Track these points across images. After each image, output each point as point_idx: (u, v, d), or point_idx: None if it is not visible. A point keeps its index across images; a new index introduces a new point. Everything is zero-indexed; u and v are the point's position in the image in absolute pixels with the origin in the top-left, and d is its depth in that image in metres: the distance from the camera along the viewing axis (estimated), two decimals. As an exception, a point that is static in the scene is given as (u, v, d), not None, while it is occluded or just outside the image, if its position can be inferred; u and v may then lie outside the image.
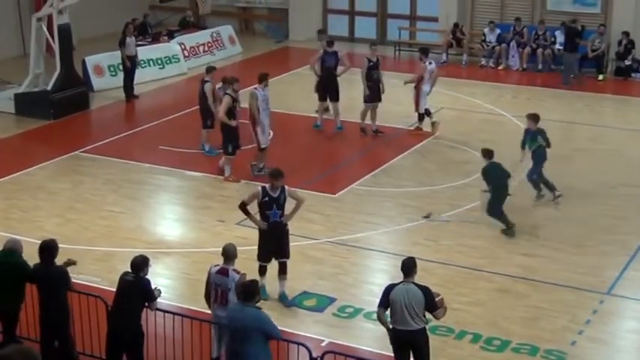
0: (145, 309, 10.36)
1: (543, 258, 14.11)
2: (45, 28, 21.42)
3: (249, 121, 17.11)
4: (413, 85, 19.81)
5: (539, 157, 16.07)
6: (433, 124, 19.74)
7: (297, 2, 29.40)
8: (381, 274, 13.65)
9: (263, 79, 17.08)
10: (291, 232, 12.75)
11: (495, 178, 14.80)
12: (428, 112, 19.79)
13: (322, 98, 20.18)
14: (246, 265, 13.36)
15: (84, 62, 23.60)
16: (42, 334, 10.79)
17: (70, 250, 13.98)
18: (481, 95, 23.15)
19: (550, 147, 16.09)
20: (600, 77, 24.64)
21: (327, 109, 20.27)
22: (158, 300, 10.47)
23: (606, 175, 17.62)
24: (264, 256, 12.50)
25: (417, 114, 19.88)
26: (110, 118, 21.85)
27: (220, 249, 10.79)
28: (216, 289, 10.41)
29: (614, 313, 12.77)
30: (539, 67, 25.47)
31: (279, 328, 9.82)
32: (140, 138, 20.20)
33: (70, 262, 11.00)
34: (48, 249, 10.65)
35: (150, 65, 24.91)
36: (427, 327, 10.13)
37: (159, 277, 12.65)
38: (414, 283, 9.98)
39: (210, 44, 27.40)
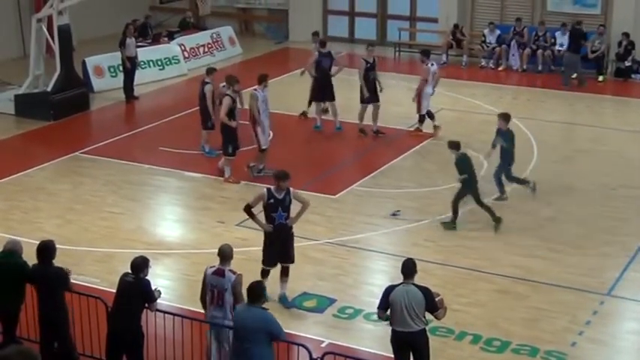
0: (145, 310, 10.36)
1: (543, 259, 14.11)
2: (45, 29, 21.42)
3: (250, 122, 17.12)
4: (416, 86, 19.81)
5: (505, 156, 16.09)
6: (435, 127, 19.71)
7: (297, 3, 29.41)
8: (381, 275, 13.65)
9: (263, 80, 17.09)
10: (291, 233, 12.74)
11: (469, 167, 14.96)
12: (431, 115, 19.77)
13: (319, 99, 20.21)
14: (246, 266, 13.36)
15: (84, 63, 23.61)
16: (41, 335, 10.80)
17: (70, 251, 14.03)
18: (481, 96, 23.15)
19: (508, 149, 16.07)
20: (600, 78, 24.63)
21: (325, 111, 20.28)
22: (158, 301, 10.48)
23: (606, 176, 17.61)
24: (269, 260, 12.41)
25: (417, 115, 19.87)
26: (110, 119, 21.85)
27: (221, 250, 10.78)
28: (212, 289, 10.38)
29: (614, 314, 12.77)
30: (539, 68, 25.47)
31: (280, 328, 9.83)
32: (140, 139, 20.20)
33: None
34: (46, 250, 10.65)
35: (150, 66, 24.91)
36: (427, 328, 10.13)
37: (159, 278, 12.65)
38: (414, 284, 9.97)
39: (210, 45, 27.40)
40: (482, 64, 26.27)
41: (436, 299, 10.06)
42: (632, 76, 24.76)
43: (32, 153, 19.27)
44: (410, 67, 26.74)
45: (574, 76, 24.37)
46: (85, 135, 20.72)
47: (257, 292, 9.60)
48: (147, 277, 10.28)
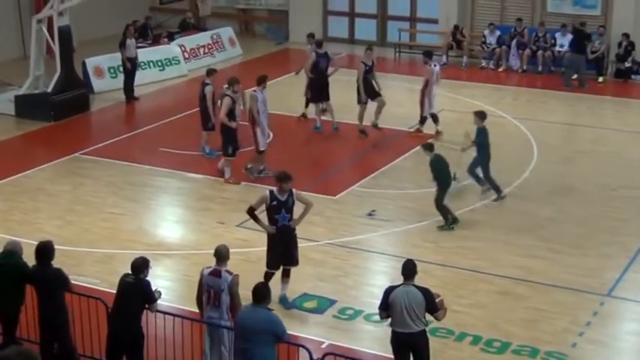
0: (145, 311, 10.36)
1: (544, 260, 14.11)
2: (45, 30, 21.42)
3: (249, 123, 17.12)
4: (420, 88, 19.76)
5: (481, 153, 16.18)
6: (437, 132, 19.68)
7: (297, 4, 29.42)
8: (382, 276, 13.66)
9: (262, 81, 17.10)
10: (292, 233, 12.74)
11: (444, 168, 15.06)
12: (435, 118, 19.72)
13: (317, 100, 20.24)
14: (247, 266, 13.38)
15: (84, 64, 23.61)
16: (41, 336, 10.80)
17: (71, 252, 14.05)
18: (481, 97, 23.14)
19: (483, 147, 16.15)
20: (600, 79, 24.63)
21: (324, 110, 20.28)
22: (158, 302, 10.48)
23: (606, 177, 17.61)
24: (273, 263, 12.35)
25: (419, 116, 19.84)
26: (110, 120, 21.85)
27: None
28: (208, 290, 10.37)
29: (615, 315, 12.77)
30: (540, 69, 25.47)
31: (281, 329, 9.84)
32: (140, 140, 20.20)
33: None
34: (44, 251, 10.66)
35: (150, 67, 24.91)
36: (427, 329, 10.14)
37: (159, 278, 12.65)
38: (414, 285, 9.98)
39: (210, 46, 27.40)
40: (483, 64, 26.27)
41: (436, 300, 10.07)
42: (632, 76, 24.75)
43: (32, 154, 19.27)
44: (410, 68, 26.74)
45: (574, 76, 24.38)
46: (86, 136, 20.72)
47: (263, 292, 9.64)
48: (147, 278, 10.28)
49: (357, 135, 19.81)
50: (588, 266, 13.90)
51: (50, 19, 21.35)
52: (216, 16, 30.17)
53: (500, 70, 25.98)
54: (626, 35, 24.62)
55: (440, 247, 14.52)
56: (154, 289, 10.36)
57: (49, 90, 21.20)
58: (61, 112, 21.20)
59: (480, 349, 11.63)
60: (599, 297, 12.97)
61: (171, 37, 26.93)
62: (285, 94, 22.14)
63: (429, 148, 15.33)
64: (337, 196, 16.62)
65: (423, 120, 19.84)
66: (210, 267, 10.46)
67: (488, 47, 26.20)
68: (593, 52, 24.65)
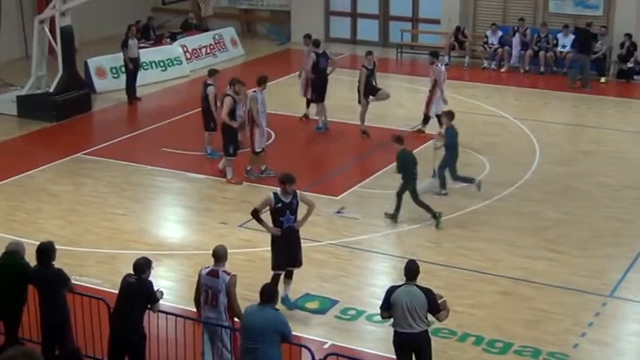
0: (147, 311, 10.35)
1: (546, 260, 14.10)
2: (47, 31, 21.42)
3: (248, 124, 17.11)
4: (428, 88, 19.70)
5: (450, 153, 16.24)
6: (440, 134, 19.62)
7: (299, 4, 29.42)
8: (384, 276, 13.65)
9: (262, 82, 17.13)
10: (294, 234, 12.73)
11: (408, 163, 15.14)
12: (440, 120, 19.67)
13: (318, 100, 20.26)
14: (249, 266, 13.40)
15: (86, 64, 23.62)
16: (43, 336, 10.79)
17: (73, 252, 14.05)
18: (483, 97, 23.14)
19: (451, 147, 16.26)
20: (602, 80, 24.62)
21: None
22: (160, 302, 10.48)
23: (609, 177, 17.60)
24: (279, 265, 12.28)
25: (423, 115, 19.79)
26: (112, 121, 21.86)
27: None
28: (206, 290, 10.37)
29: (617, 316, 12.76)
30: (542, 69, 25.46)
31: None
32: (142, 140, 20.21)
33: None
34: (45, 251, 10.65)
35: (152, 67, 24.91)
36: (429, 329, 10.13)
37: (161, 279, 12.65)
38: (417, 286, 9.97)
39: (212, 46, 27.41)
40: (485, 65, 26.27)
41: (440, 301, 10.06)
42: (635, 77, 24.72)
43: (34, 154, 19.28)
44: (412, 68, 26.76)
45: (577, 77, 24.38)
46: (88, 136, 20.73)
47: (270, 293, 9.68)
48: (149, 279, 10.28)
49: (359, 135, 19.80)
50: (591, 267, 13.88)
51: (52, 20, 21.36)
52: (218, 17, 30.18)
53: (502, 70, 25.96)
54: (628, 35, 24.60)
55: (442, 248, 14.51)
56: (156, 289, 10.35)
57: (51, 90, 21.21)
58: (63, 112, 21.21)
59: (483, 349, 11.62)
60: (601, 298, 12.96)
61: (173, 38, 26.93)
62: (287, 95, 22.14)
63: (398, 140, 15.38)
64: (339, 197, 16.60)
65: (426, 120, 19.82)
66: (209, 267, 10.45)
67: (490, 47, 26.19)
68: (594, 53, 24.64)
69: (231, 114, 16.88)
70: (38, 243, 10.90)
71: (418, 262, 10.26)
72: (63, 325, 10.67)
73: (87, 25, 26.06)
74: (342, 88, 22.14)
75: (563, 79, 24.62)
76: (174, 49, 25.98)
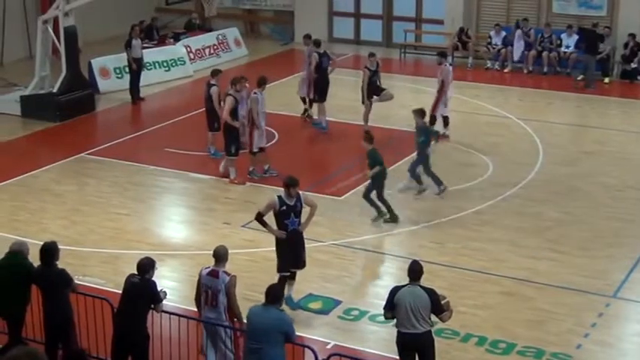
0: (150, 311, 10.36)
1: (549, 261, 14.10)
2: (51, 31, 21.45)
3: (248, 124, 17.11)
4: (436, 89, 19.64)
5: (422, 151, 16.28)
6: (444, 135, 19.62)
7: (303, 5, 29.43)
8: (387, 276, 13.66)
9: (263, 82, 17.16)
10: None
11: (380, 162, 15.18)
12: (446, 121, 19.64)
13: (322, 100, 20.29)
14: (252, 267, 13.42)
15: (90, 64, 23.64)
16: (46, 336, 10.81)
17: (76, 252, 14.07)
18: (486, 98, 23.14)
19: (431, 142, 16.40)
20: (606, 80, 24.60)
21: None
22: (164, 302, 10.49)
23: (612, 178, 17.59)
24: (284, 267, 12.26)
25: (429, 116, 19.70)
26: (116, 121, 21.89)
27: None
28: (206, 290, 10.38)
29: (620, 317, 12.75)
30: (545, 69, 25.44)
31: (286, 330, 9.85)
32: (146, 140, 20.23)
33: None
34: (49, 251, 10.67)
35: (156, 67, 24.93)
36: (432, 330, 10.13)
37: (164, 279, 12.66)
38: (420, 286, 9.97)
39: (215, 47, 27.42)
40: (488, 65, 26.25)
41: (443, 302, 10.06)
42: (639, 77, 24.69)
43: (38, 154, 19.30)
44: (415, 68, 26.77)
45: (579, 77, 24.38)
46: (91, 136, 20.76)
47: (276, 293, 9.73)
48: (153, 279, 10.29)
49: (362, 136, 19.74)
50: (594, 267, 13.88)
51: (56, 20, 21.37)
52: (221, 17, 30.18)
53: (505, 70, 25.95)
54: (632, 36, 24.58)
55: (445, 248, 14.51)
56: (159, 289, 10.36)
57: (55, 90, 21.23)
58: (66, 112, 21.23)
59: (486, 350, 11.62)
60: (604, 298, 12.95)
61: (176, 38, 26.94)
62: (291, 95, 22.12)
63: (368, 139, 15.45)
64: (342, 197, 16.61)
65: (432, 120, 19.71)
66: (209, 267, 10.47)
67: (493, 48, 26.18)
68: (599, 53, 24.61)
69: (233, 113, 16.90)
70: (42, 243, 10.91)
71: (421, 263, 10.26)
72: (66, 325, 10.68)
73: (90, 26, 26.07)
74: (344, 88, 22.14)
75: (566, 79, 24.62)
76: (178, 50, 26.00)
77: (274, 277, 12.10)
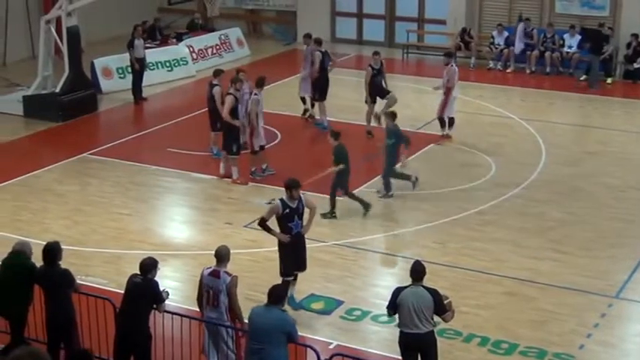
0: (152, 311, 10.36)
1: (552, 261, 14.08)
2: (54, 31, 21.46)
3: (248, 125, 17.11)
4: (442, 90, 19.57)
5: (390, 153, 16.29)
6: (447, 135, 19.55)
7: (306, 5, 29.43)
8: (389, 276, 13.66)
9: (262, 83, 17.17)
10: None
11: (345, 157, 15.32)
12: (452, 122, 19.58)
13: (323, 98, 20.30)
14: (254, 267, 13.41)
15: (92, 64, 23.65)
16: (48, 336, 10.81)
17: (79, 252, 14.07)
18: (489, 98, 23.12)
19: (404, 143, 16.33)
20: (609, 80, 24.58)
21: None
22: (166, 302, 10.49)
23: (615, 178, 17.57)
24: (288, 271, 12.23)
25: (437, 119, 19.62)
26: (118, 121, 21.89)
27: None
28: (208, 291, 10.38)
29: (623, 317, 12.74)
30: (548, 70, 25.42)
31: (288, 330, 9.85)
32: (148, 140, 20.23)
33: None
34: (51, 251, 10.67)
35: (158, 68, 24.94)
36: (435, 330, 10.12)
37: (167, 279, 12.67)
38: (423, 286, 9.97)
39: (218, 47, 27.42)
40: (491, 65, 26.23)
41: (445, 302, 10.06)
42: (641, 78, 24.69)
43: (40, 154, 19.30)
44: (418, 69, 26.76)
45: (582, 77, 24.37)
46: (94, 136, 20.77)
47: (279, 294, 9.74)
48: (155, 279, 10.29)
49: (364, 135, 19.78)
50: (596, 268, 13.87)
51: (59, 20, 21.39)
52: (224, 17, 30.16)
53: (508, 70, 25.93)
54: (634, 36, 24.55)
55: (448, 248, 14.50)
56: (161, 289, 10.36)
57: (58, 90, 21.23)
58: (69, 112, 21.24)
59: (488, 350, 11.61)
60: (607, 299, 12.94)
61: (179, 38, 26.94)
62: (293, 95, 22.10)
63: (334, 136, 15.60)
64: (344, 197, 16.57)
65: (442, 122, 19.61)
66: (211, 267, 10.47)
67: (496, 48, 26.16)
68: (603, 53, 24.58)
69: (233, 112, 16.91)
70: (44, 243, 10.92)
71: (424, 263, 10.25)
72: (69, 325, 10.68)
73: (93, 26, 26.09)
74: (346, 88, 22.14)
75: (569, 79, 24.60)
76: (181, 50, 26.01)
77: (276, 278, 12.10)
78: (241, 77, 17.40)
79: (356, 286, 13.35)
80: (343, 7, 29.71)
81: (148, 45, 24.41)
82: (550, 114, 22.12)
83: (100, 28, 27.26)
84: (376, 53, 19.91)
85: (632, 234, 15.12)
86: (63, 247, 10.90)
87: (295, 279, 12.45)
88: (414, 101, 21.89)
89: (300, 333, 11.15)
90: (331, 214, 15.46)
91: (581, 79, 24.36)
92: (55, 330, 10.69)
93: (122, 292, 10.47)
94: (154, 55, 24.68)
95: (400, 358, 10.29)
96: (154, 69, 24.62)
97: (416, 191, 16.62)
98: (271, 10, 31.08)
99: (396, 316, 10.12)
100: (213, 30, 28.68)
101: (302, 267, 12.37)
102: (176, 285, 12.91)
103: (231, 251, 10.64)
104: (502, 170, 17.81)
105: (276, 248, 12.29)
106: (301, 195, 12.10)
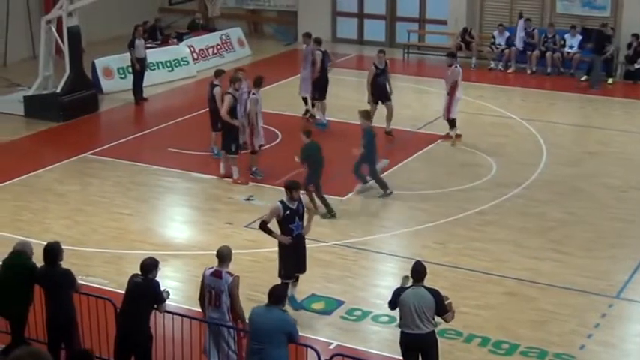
0: (153, 311, 10.37)
1: (552, 261, 14.09)
2: (54, 31, 21.47)
3: (248, 125, 17.12)
4: (446, 91, 19.55)
5: (368, 153, 16.33)
6: (448, 135, 19.54)
7: (306, 5, 29.43)
8: (390, 277, 13.64)
9: (260, 82, 17.19)
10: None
11: (316, 155, 15.40)
12: (453, 123, 19.56)
13: (322, 98, 20.32)
14: (255, 267, 13.41)
15: (93, 65, 23.66)
16: (49, 336, 10.82)
17: (79, 252, 14.08)
18: (490, 98, 23.12)
19: (368, 147, 16.35)
20: (609, 81, 24.57)
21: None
22: (167, 302, 10.49)
23: (615, 178, 17.57)
24: (289, 273, 12.22)
25: (447, 121, 19.55)
26: (119, 121, 21.89)
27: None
28: (210, 291, 10.38)
29: (623, 317, 12.74)
30: (549, 70, 25.42)
31: (288, 330, 9.85)
32: (149, 140, 20.24)
33: None
34: (52, 251, 10.68)
35: (159, 68, 24.94)
36: (436, 330, 10.13)
37: (167, 279, 12.67)
38: (424, 287, 9.98)
39: (219, 47, 27.42)
40: (491, 66, 26.23)
41: (445, 302, 10.06)
42: (642, 78, 24.68)
43: (41, 154, 19.31)
44: (419, 69, 26.76)
45: (583, 78, 24.37)
46: (94, 136, 20.77)
47: (279, 294, 9.74)
48: (156, 279, 10.30)
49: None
50: (597, 268, 13.87)
51: (59, 20, 21.40)
52: (225, 17, 30.19)
53: (509, 71, 25.93)
54: (635, 36, 24.54)
55: (448, 249, 14.50)
56: (162, 289, 10.37)
57: (58, 90, 21.24)
58: (70, 112, 21.24)
59: (489, 350, 11.62)
60: (607, 299, 12.94)
61: (180, 38, 26.95)
62: (293, 95, 22.11)
63: (307, 134, 15.68)
64: (345, 197, 16.60)
65: (451, 123, 19.51)
66: (212, 267, 10.47)
67: (497, 48, 26.16)
68: (604, 54, 24.58)
69: (232, 112, 16.92)
70: (45, 243, 10.93)
71: (424, 264, 10.25)
72: (69, 325, 10.69)
73: (94, 26, 26.10)
74: (346, 88, 22.15)
75: (570, 79, 24.59)
76: (181, 50, 26.01)
77: (277, 278, 12.12)
78: (240, 76, 17.42)
79: (356, 286, 13.35)
80: (344, 8, 29.71)
81: (148, 45, 24.41)
82: (551, 114, 22.12)
83: (100, 28, 27.28)
84: (381, 52, 19.81)
85: (632, 234, 15.13)
86: (63, 247, 10.90)
87: (296, 280, 12.46)
88: (415, 101, 21.90)
89: (300, 333, 11.15)
90: (330, 214, 15.45)
91: (582, 79, 24.39)
92: (56, 330, 10.69)
93: (123, 292, 10.48)
94: (154, 55, 24.68)
95: (401, 358, 10.30)
96: (154, 69, 24.63)
97: (416, 191, 16.63)
98: (272, 11, 31.08)
99: (397, 316, 10.13)
100: (214, 30, 28.69)
101: (302, 269, 12.37)
102: (177, 285, 12.92)
103: (232, 251, 10.64)
104: (503, 170, 17.82)
105: (277, 249, 12.30)
106: (300, 196, 12.11)
